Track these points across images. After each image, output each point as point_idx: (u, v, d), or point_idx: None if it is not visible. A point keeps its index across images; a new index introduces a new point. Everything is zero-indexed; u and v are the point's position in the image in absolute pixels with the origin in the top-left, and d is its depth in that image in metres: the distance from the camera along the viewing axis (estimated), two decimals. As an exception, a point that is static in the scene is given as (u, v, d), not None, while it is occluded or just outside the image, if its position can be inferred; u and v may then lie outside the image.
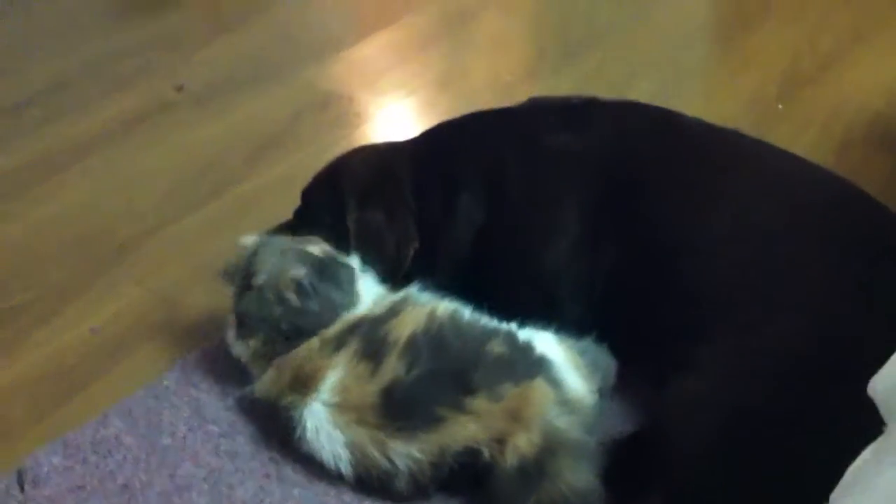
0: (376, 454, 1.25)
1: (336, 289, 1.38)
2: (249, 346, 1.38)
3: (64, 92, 2.26)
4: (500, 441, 1.22)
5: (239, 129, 2.12)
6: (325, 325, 1.35)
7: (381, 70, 2.38)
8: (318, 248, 1.41)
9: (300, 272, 1.35)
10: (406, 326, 1.31)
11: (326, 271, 1.38)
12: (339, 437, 1.27)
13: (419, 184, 1.50)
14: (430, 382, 1.26)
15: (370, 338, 1.31)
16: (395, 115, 2.19)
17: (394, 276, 1.46)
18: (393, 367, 1.27)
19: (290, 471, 1.33)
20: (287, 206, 1.86)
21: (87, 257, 1.75)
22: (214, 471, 1.33)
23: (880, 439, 0.82)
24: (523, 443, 1.21)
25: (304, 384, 1.30)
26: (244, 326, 1.38)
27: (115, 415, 1.41)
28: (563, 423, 1.23)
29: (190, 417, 1.41)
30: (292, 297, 1.35)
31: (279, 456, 1.35)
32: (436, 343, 1.29)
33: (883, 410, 0.82)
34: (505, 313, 1.36)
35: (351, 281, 1.40)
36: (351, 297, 1.38)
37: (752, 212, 1.30)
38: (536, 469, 1.19)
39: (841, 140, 1.99)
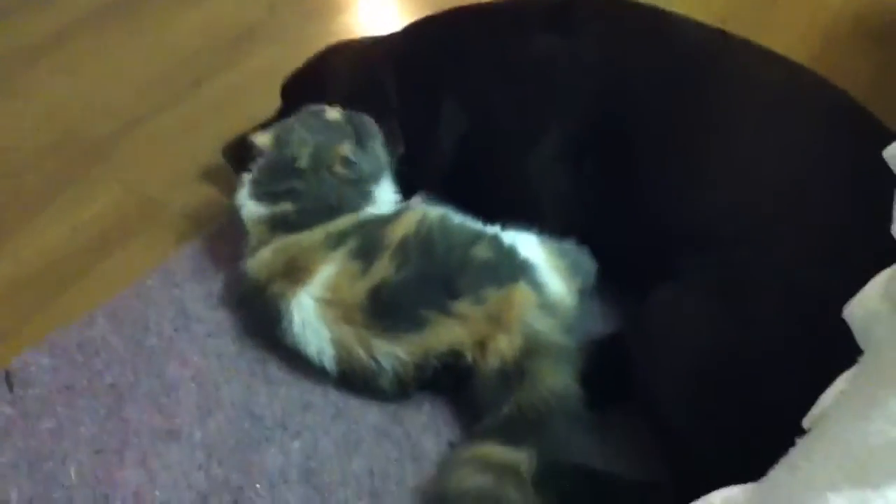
0: (361, 353, 1.27)
1: (371, 157, 1.41)
2: (265, 210, 1.38)
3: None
4: (482, 344, 1.24)
5: (215, 20, 2.08)
6: (365, 197, 1.39)
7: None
8: (337, 113, 1.43)
9: (346, 147, 1.39)
10: (400, 229, 1.32)
11: (361, 139, 1.41)
12: (325, 332, 1.29)
13: (402, 86, 1.48)
14: (416, 284, 1.28)
15: (368, 238, 1.32)
16: (374, 5, 2.14)
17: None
18: (383, 267, 1.28)
19: (275, 369, 1.35)
20: (266, 100, 1.83)
21: (65, 156, 1.73)
22: (201, 370, 1.35)
23: (855, 368, 0.81)
24: (504, 345, 1.23)
25: (296, 274, 1.31)
26: (263, 189, 1.39)
27: (100, 315, 1.42)
28: (544, 325, 1.26)
29: (175, 317, 1.42)
30: (341, 170, 1.38)
31: (265, 355, 1.37)
32: (424, 246, 1.30)
33: (860, 338, 0.82)
34: (488, 221, 1.37)
35: (377, 145, 1.43)
36: (381, 163, 1.43)
37: (743, 125, 1.29)
38: (516, 370, 1.22)
39: (826, 35, 1.97)
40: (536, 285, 1.29)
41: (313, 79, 1.55)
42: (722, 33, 1.44)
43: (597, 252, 1.37)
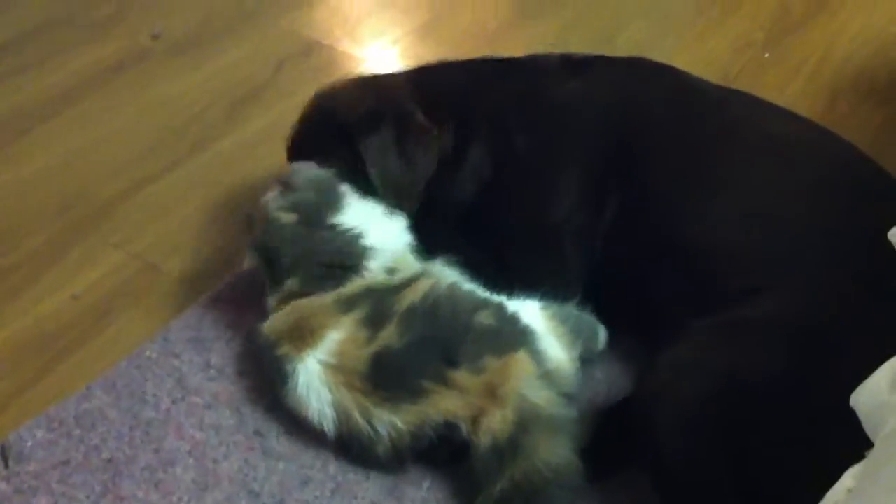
0: (360, 419, 1.25)
1: (302, 193, 1.39)
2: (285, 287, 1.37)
3: (38, 40, 2.19)
4: (475, 420, 1.23)
5: (218, 80, 2.07)
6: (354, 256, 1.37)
7: (364, 16, 2.32)
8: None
9: (273, 206, 1.38)
10: (408, 297, 1.31)
11: (287, 187, 1.40)
12: (327, 396, 1.27)
13: (428, 115, 1.46)
14: (417, 351, 1.26)
15: (378, 306, 1.31)
16: (379, 63, 2.14)
17: (411, 199, 1.45)
18: (388, 335, 1.28)
19: (274, 443, 1.33)
20: (272, 160, 1.83)
21: (65, 220, 1.72)
22: (199, 444, 1.33)
23: (864, 464, 0.78)
24: (497, 421, 1.21)
25: (305, 336, 1.30)
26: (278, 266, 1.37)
27: (98, 387, 1.41)
28: (541, 398, 1.24)
29: (173, 389, 1.40)
30: (287, 225, 1.37)
31: (263, 429, 1.35)
32: (430, 313, 1.30)
33: (868, 428, 0.79)
34: (506, 267, 1.37)
35: (308, 182, 1.40)
36: (323, 192, 1.40)
37: (756, 178, 1.29)
38: (510, 447, 1.20)
39: (829, 90, 1.97)
40: (536, 353, 1.28)
41: (319, 116, 1.51)
42: (738, 91, 1.45)
43: (611, 315, 1.36)
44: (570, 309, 1.36)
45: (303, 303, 1.34)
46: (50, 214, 1.73)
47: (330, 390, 1.27)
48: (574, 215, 1.39)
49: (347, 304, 1.32)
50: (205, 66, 2.11)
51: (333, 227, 1.37)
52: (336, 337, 1.29)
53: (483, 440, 1.21)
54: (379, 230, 1.40)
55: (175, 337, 1.47)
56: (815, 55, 2.07)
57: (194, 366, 1.43)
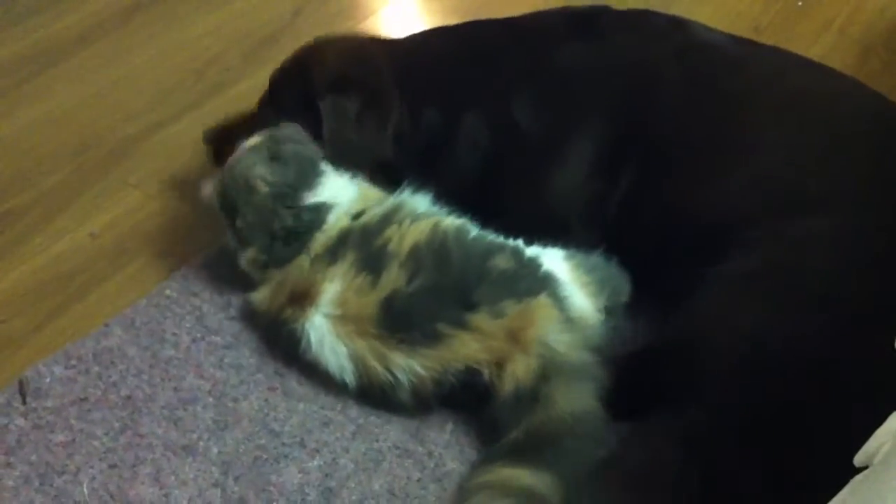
0: (378, 366, 1.24)
1: (286, 168, 1.33)
2: (248, 256, 1.35)
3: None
4: (499, 364, 1.20)
5: (236, 23, 2.04)
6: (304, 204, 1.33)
7: (386, -40, 2.28)
8: (256, 138, 1.37)
9: (256, 169, 1.32)
10: (409, 237, 1.28)
11: (274, 152, 1.34)
12: (342, 349, 1.26)
13: (409, 90, 1.43)
14: (431, 295, 1.24)
15: (368, 248, 1.28)
16: (400, 10, 2.11)
17: (371, 165, 1.42)
18: (394, 277, 1.25)
19: (294, 384, 1.32)
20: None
21: (82, 160, 1.70)
22: (219, 383, 1.32)
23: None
24: (520, 369, 1.19)
25: (302, 299, 1.28)
26: (241, 238, 1.35)
27: (116, 325, 1.39)
28: (563, 344, 1.22)
29: (192, 328, 1.39)
30: (263, 190, 1.31)
31: (284, 369, 1.34)
32: (439, 255, 1.27)
33: None
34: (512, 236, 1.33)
35: (298, 147, 1.36)
36: (307, 165, 1.35)
37: (777, 138, 1.25)
38: (530, 394, 1.18)
39: (861, 44, 1.92)
40: (559, 299, 1.25)
41: (297, 67, 1.49)
42: (751, 42, 1.41)
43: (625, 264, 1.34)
44: (596, 258, 1.33)
45: (281, 275, 1.32)
46: (67, 154, 1.71)
47: (343, 342, 1.25)
48: (583, 189, 1.36)
49: (329, 256, 1.29)
50: (223, 9, 2.08)
51: (301, 206, 1.33)
52: (334, 288, 1.27)
53: (506, 386, 1.20)
54: (334, 186, 1.37)
55: (195, 276, 1.46)
56: (847, 7, 2.03)
57: (214, 305, 1.42)
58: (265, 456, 1.24)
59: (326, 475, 1.22)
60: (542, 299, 1.24)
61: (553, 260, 1.30)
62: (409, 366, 1.22)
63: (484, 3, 2.05)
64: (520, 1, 2.02)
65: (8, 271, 1.50)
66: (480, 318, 1.22)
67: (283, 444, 1.25)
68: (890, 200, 1.14)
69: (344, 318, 1.26)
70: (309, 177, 1.34)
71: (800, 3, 2.03)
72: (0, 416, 1.28)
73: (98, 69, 1.91)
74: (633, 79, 1.36)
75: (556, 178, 1.36)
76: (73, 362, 1.34)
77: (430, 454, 1.24)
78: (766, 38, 1.88)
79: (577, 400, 1.19)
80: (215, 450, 1.24)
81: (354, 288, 1.26)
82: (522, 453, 1.15)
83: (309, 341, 1.27)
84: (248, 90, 1.86)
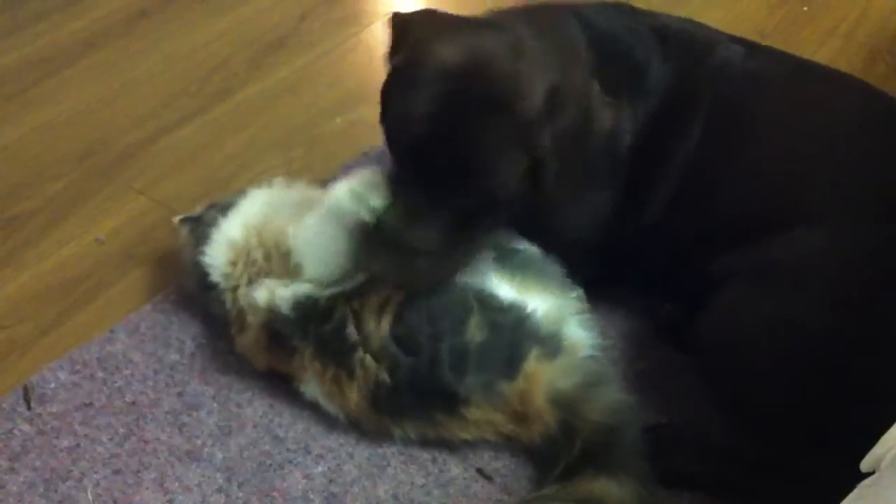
0: (378, 429, 1.24)
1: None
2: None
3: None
4: (514, 436, 1.20)
5: (242, 29, 2.05)
6: None
7: (391, -34, 2.28)
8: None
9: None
10: (368, 320, 1.20)
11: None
12: (338, 412, 1.25)
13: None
14: (414, 389, 1.19)
15: (320, 335, 1.21)
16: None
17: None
18: (371, 373, 1.19)
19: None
20: (294, 110, 1.81)
21: (88, 166, 1.70)
22: (223, 389, 1.32)
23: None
24: (539, 432, 1.18)
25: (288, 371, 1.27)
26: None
27: (121, 330, 1.39)
28: (570, 381, 1.19)
29: (197, 334, 1.39)
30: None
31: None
32: (406, 339, 1.18)
33: None
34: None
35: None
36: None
37: (782, 136, 1.25)
38: (564, 433, 1.17)
39: (868, 48, 1.92)
40: (548, 345, 1.20)
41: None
42: (777, 51, 1.40)
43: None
44: (533, 255, 1.29)
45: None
46: (73, 160, 1.72)
47: (338, 409, 1.25)
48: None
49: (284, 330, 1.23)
50: (228, 15, 2.09)
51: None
52: (312, 382, 1.24)
53: (532, 442, 1.19)
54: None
55: (199, 282, 1.45)
56: (854, 12, 2.02)
57: (219, 311, 1.41)
58: (269, 462, 1.23)
59: (331, 481, 1.21)
60: (533, 362, 1.18)
61: (510, 292, 1.23)
62: (413, 433, 1.22)
63: (489, 7, 2.05)
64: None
65: (14, 276, 1.50)
66: (476, 411, 1.18)
67: (288, 449, 1.25)
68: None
69: (332, 400, 1.24)
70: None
71: (805, 8, 2.03)
72: (5, 422, 1.28)
73: (104, 75, 1.92)
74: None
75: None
76: (78, 368, 1.34)
77: (434, 460, 1.23)
78: (772, 43, 1.86)
79: (607, 403, 1.19)
80: (220, 455, 1.24)
81: (329, 381, 1.22)
82: (581, 469, 1.14)
83: (304, 393, 1.26)
84: (253, 97, 1.87)
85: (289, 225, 1.26)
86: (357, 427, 1.25)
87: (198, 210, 1.39)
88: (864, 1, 2.05)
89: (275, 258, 1.27)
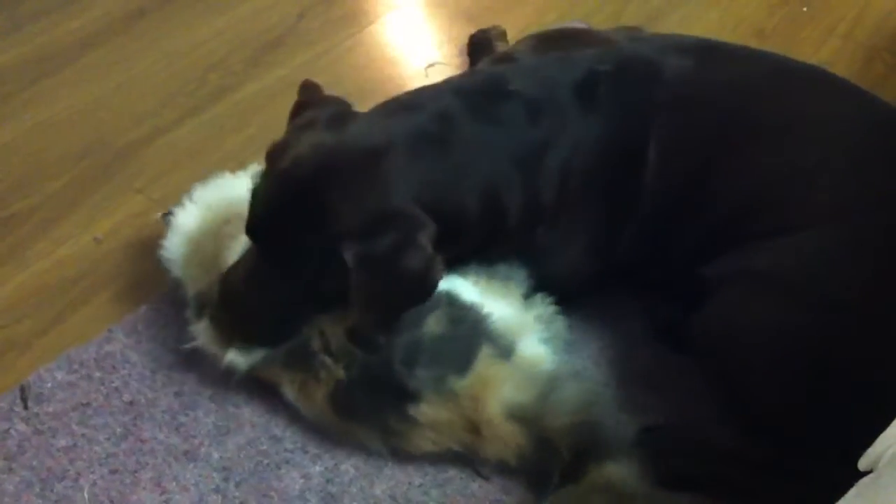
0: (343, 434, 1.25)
1: None
2: None
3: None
4: (474, 451, 1.20)
5: (240, 28, 2.04)
6: None
7: (390, -35, 2.28)
8: None
9: None
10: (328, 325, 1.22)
11: None
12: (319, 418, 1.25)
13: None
14: (369, 388, 1.19)
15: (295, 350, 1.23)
16: (404, 15, 2.10)
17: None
18: (330, 371, 1.20)
19: (297, 389, 1.31)
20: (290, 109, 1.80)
21: (86, 165, 1.70)
22: (221, 389, 1.32)
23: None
24: (500, 450, 1.18)
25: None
26: None
27: (120, 330, 1.39)
28: (528, 394, 1.18)
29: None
30: None
31: (286, 374, 1.33)
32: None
33: None
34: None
35: None
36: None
37: (774, 138, 1.25)
38: (544, 446, 1.16)
39: (866, 49, 1.91)
40: (497, 345, 1.19)
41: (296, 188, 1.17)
42: (774, 54, 1.39)
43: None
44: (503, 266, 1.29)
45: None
46: (71, 159, 1.72)
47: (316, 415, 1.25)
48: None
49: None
50: (226, 14, 2.08)
51: None
52: (288, 388, 1.25)
53: (505, 462, 1.19)
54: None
55: (197, 281, 1.45)
56: (852, 12, 2.01)
57: (217, 310, 1.41)
58: (267, 461, 1.24)
59: (328, 480, 1.21)
60: (484, 361, 1.18)
61: (494, 304, 1.24)
62: (371, 440, 1.22)
63: (486, 7, 2.05)
64: (522, 4, 2.04)
65: (12, 275, 1.50)
66: (426, 408, 1.17)
67: (285, 449, 1.25)
68: (887, 213, 1.14)
69: (304, 403, 1.24)
70: None
71: (804, 9, 2.03)
72: (1, 421, 1.28)
73: (101, 74, 1.92)
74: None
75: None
76: (76, 367, 1.34)
77: (431, 460, 1.23)
78: (772, 43, 1.88)
79: (573, 405, 1.18)
80: (217, 455, 1.24)
81: (298, 388, 1.23)
82: (581, 467, 1.14)
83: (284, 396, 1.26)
84: (252, 95, 1.87)
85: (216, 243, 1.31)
86: (328, 432, 1.24)
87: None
88: (863, 1, 2.05)
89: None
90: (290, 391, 1.24)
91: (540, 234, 1.28)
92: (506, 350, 1.19)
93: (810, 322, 1.10)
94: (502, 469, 1.22)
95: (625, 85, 1.27)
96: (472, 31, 1.89)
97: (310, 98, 1.31)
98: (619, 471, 1.12)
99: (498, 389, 1.17)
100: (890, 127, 1.26)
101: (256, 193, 1.20)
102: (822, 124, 1.24)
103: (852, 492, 0.77)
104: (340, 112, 1.25)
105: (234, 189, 1.37)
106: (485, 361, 1.18)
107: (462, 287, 1.23)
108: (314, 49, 1.98)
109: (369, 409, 1.19)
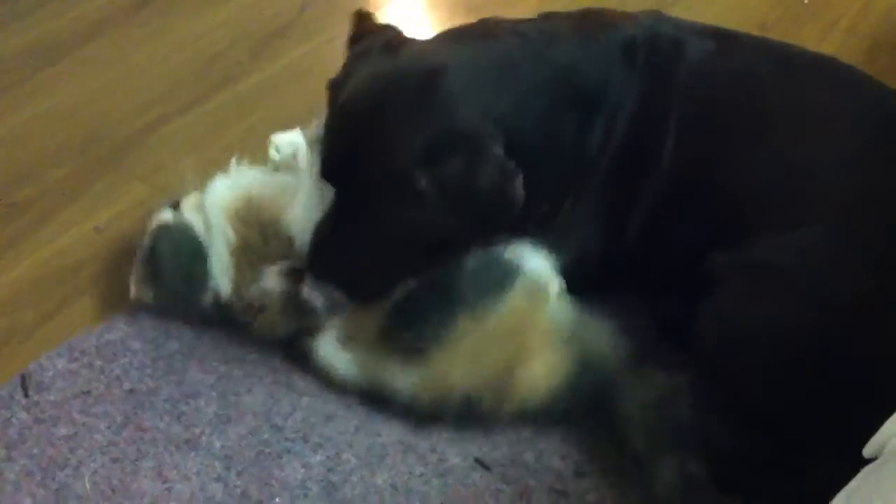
0: (387, 379, 1.24)
1: None
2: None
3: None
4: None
5: (243, 18, 2.04)
6: None
7: (394, -45, 2.28)
8: None
9: None
10: None
11: None
12: (351, 366, 1.26)
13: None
14: (431, 295, 1.22)
15: None
16: (406, 5, 2.10)
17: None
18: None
19: (298, 378, 1.31)
20: (296, 99, 1.81)
21: (88, 154, 1.70)
22: (222, 378, 1.31)
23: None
24: (542, 370, 1.20)
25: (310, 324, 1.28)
26: None
27: (120, 319, 1.39)
28: (570, 315, 1.23)
29: (197, 322, 1.38)
30: None
31: (288, 363, 1.33)
32: None
33: None
34: None
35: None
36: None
37: (783, 130, 1.24)
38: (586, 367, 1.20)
39: (869, 42, 1.91)
40: (533, 283, 1.23)
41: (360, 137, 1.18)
42: (782, 43, 1.38)
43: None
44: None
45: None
46: (73, 148, 1.72)
47: (352, 357, 1.26)
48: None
49: None
50: (230, 3, 2.09)
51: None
52: (330, 338, 1.26)
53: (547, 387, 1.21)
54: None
55: (199, 270, 1.45)
56: (855, 6, 2.01)
57: (219, 299, 1.41)
58: (268, 450, 1.23)
59: (329, 470, 1.21)
60: (521, 288, 1.21)
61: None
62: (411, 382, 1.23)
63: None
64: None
65: (14, 264, 1.50)
66: (469, 322, 1.20)
67: (286, 438, 1.25)
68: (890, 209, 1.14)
69: (352, 337, 1.25)
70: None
71: (806, 2, 2.02)
72: (2, 410, 1.28)
73: (104, 63, 1.92)
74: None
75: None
76: (77, 356, 1.34)
77: (433, 449, 1.23)
78: (773, 36, 1.86)
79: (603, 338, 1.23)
80: (218, 444, 1.24)
81: (348, 317, 1.24)
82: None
83: (317, 354, 1.27)
84: (256, 85, 1.87)
85: (278, 212, 1.31)
86: (366, 380, 1.25)
87: (139, 255, 1.37)
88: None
89: (272, 243, 1.30)
90: (336, 330, 1.25)
91: (565, 209, 1.28)
92: (542, 285, 1.23)
93: (811, 319, 1.09)
94: (503, 459, 1.22)
95: (656, 57, 1.27)
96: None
97: (363, 28, 1.30)
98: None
99: (540, 310, 1.21)
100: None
101: (324, 132, 1.20)
102: (830, 120, 1.23)
103: (858, 477, 0.77)
104: (395, 38, 1.25)
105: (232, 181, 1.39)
106: (522, 290, 1.21)
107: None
108: (317, 39, 1.98)
109: (433, 316, 1.20)
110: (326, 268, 1.22)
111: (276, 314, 1.28)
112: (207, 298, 1.32)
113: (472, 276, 1.21)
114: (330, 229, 1.21)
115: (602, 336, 1.23)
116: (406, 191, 1.11)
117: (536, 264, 1.24)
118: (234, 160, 1.42)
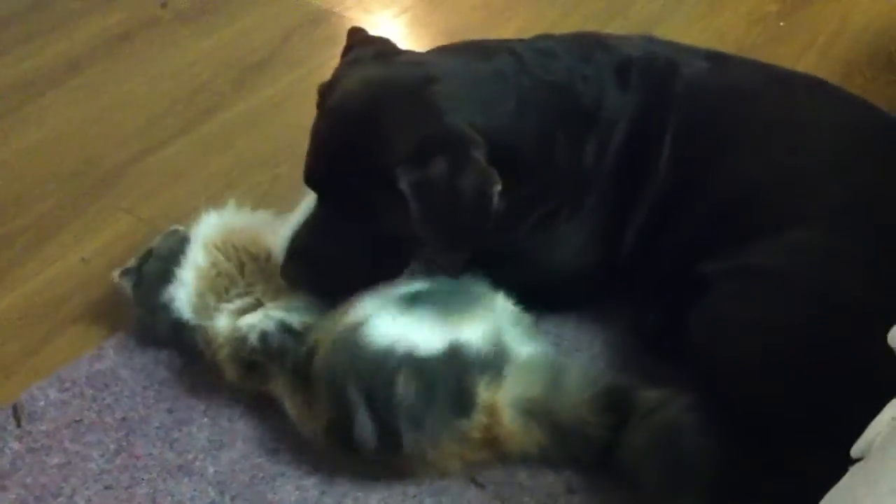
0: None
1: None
2: None
3: (46, 9, 2.18)
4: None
5: (226, 49, 2.06)
6: None
7: (373, -14, 2.31)
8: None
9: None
10: (321, 352, 1.19)
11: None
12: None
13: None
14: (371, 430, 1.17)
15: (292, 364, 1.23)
16: (388, 35, 2.12)
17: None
18: (325, 406, 1.18)
19: (289, 403, 1.31)
20: (279, 129, 1.82)
21: (74, 184, 1.71)
22: (213, 404, 1.32)
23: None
24: (534, 446, 1.19)
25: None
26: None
27: (110, 348, 1.39)
28: (538, 386, 1.19)
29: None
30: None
31: (279, 388, 1.33)
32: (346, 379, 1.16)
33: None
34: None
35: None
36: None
37: (774, 142, 1.27)
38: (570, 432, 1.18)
39: (844, 62, 1.95)
40: (491, 367, 1.18)
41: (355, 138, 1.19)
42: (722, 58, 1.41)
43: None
44: (449, 289, 1.28)
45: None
46: (59, 180, 1.72)
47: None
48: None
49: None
50: (213, 35, 2.11)
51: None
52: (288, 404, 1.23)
53: (528, 455, 1.20)
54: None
55: (188, 298, 1.45)
56: (830, 27, 2.05)
57: (208, 326, 1.41)
58: (261, 474, 1.23)
59: (323, 492, 1.21)
60: (484, 391, 1.16)
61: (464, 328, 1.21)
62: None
63: (470, 26, 2.08)
64: (505, 20, 2.07)
65: (0, 296, 1.50)
66: (432, 452, 1.17)
67: (280, 462, 1.25)
68: (883, 213, 1.16)
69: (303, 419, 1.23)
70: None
71: (782, 23, 2.06)
72: (-6, 440, 1.28)
73: (89, 96, 1.93)
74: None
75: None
76: (67, 385, 1.34)
77: (426, 470, 1.24)
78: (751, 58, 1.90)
79: (581, 385, 1.20)
80: (211, 469, 1.24)
81: (298, 407, 1.22)
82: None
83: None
84: (238, 116, 1.88)
85: (259, 232, 1.32)
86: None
87: (133, 261, 1.38)
88: (840, 16, 2.08)
89: (249, 265, 1.30)
90: (288, 406, 1.23)
91: (562, 220, 1.30)
92: (498, 365, 1.19)
93: (807, 320, 1.11)
94: (497, 478, 1.22)
95: (650, 75, 1.31)
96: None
97: (357, 40, 1.34)
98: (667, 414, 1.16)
99: (511, 401, 1.17)
100: (885, 130, 1.29)
101: (310, 136, 1.21)
102: (821, 128, 1.28)
103: (845, 478, 0.79)
104: (387, 49, 1.30)
105: (223, 218, 1.40)
106: (484, 393, 1.16)
107: (418, 332, 1.19)
108: (300, 70, 2.00)
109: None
110: (298, 268, 1.24)
111: (225, 358, 1.26)
112: (166, 321, 1.32)
113: (413, 412, 1.15)
114: (307, 233, 1.23)
115: (575, 384, 1.20)
116: (385, 190, 1.13)
117: (476, 333, 1.20)
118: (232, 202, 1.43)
